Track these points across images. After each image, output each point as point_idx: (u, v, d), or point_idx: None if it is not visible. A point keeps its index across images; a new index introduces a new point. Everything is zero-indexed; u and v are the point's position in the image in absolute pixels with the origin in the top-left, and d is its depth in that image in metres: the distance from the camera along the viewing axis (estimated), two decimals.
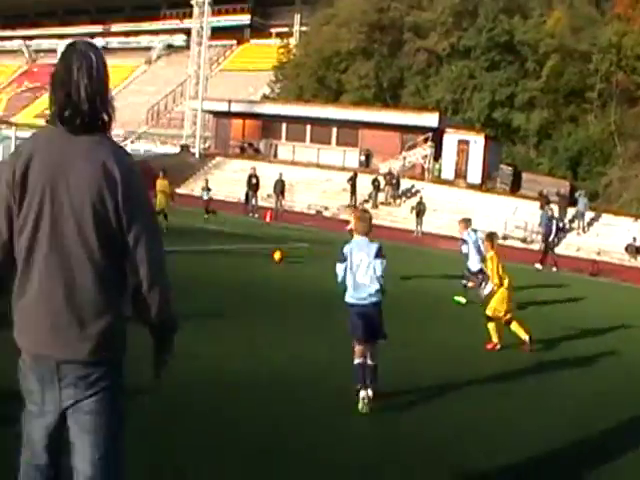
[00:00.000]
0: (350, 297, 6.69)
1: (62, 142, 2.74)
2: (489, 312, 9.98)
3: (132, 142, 54.30)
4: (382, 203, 36.90)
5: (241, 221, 29.71)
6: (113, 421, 2.83)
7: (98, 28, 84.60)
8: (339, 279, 6.75)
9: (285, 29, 70.73)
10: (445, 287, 15.46)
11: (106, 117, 2.82)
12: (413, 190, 37.67)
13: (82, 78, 2.74)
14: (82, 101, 2.72)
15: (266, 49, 69.50)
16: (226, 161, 45.92)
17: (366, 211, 7.67)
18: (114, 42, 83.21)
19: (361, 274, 6.60)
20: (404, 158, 40.71)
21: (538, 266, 23.36)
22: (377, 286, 6.61)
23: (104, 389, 2.77)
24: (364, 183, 36.92)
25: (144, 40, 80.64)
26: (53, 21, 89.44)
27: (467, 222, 14.31)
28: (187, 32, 64.64)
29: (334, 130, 45.21)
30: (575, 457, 6.18)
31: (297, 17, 71.16)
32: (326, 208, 36.76)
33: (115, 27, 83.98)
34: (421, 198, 31.72)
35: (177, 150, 49.33)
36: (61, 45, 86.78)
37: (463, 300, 13.77)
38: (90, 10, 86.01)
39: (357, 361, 6.61)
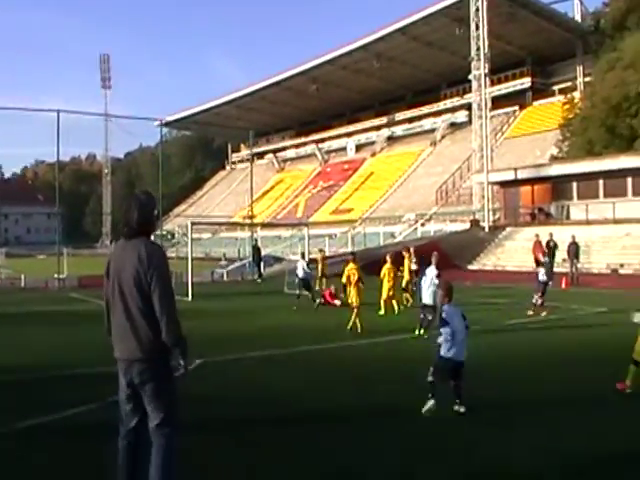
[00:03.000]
0: (449, 353, 8.33)
1: (123, 245, 5.13)
2: (637, 357, 9.21)
3: (422, 225, 54.84)
4: None
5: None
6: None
7: (383, 120, 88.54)
8: (442, 340, 8.33)
9: (568, 84, 68.16)
10: None
11: (149, 230, 5.19)
12: None
13: (134, 212, 5.08)
14: (132, 224, 5.07)
15: (550, 108, 67.55)
16: (517, 230, 44.48)
17: (448, 282, 8.93)
18: (399, 130, 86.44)
19: (460, 336, 8.30)
20: None
21: None
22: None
23: (152, 376, 4.97)
24: None
25: (427, 123, 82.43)
26: (341, 121, 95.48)
27: None
28: (468, 107, 64.67)
29: (629, 180, 41.86)
30: None
31: (579, 69, 68.32)
32: (621, 265, 33.76)
33: (398, 116, 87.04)
34: None
35: (467, 226, 48.68)
36: (350, 143, 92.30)
37: None
38: (374, 105, 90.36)
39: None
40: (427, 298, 15.03)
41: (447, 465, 6.60)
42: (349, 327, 16.26)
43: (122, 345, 5.02)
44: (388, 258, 20.33)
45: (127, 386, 5.04)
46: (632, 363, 9.22)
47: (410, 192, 71.36)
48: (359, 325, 16.09)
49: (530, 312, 19.08)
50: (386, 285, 19.69)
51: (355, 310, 16.35)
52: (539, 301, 19.18)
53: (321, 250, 29.77)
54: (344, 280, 17.37)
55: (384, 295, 19.62)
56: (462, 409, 8.31)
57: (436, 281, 14.36)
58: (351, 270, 16.91)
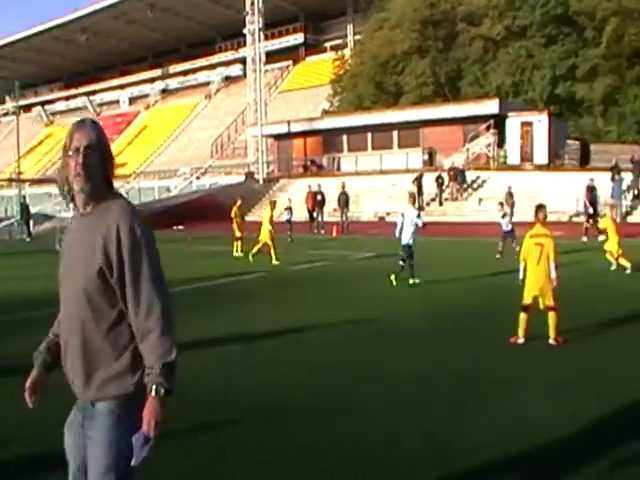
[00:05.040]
0: None
1: None
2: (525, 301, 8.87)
3: (197, 178, 54.68)
4: (447, 199, 35.66)
5: (307, 239, 29.34)
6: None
7: (157, 72, 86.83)
8: None
9: (339, 41, 70.45)
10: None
11: None
12: (479, 181, 36.27)
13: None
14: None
15: (322, 64, 69.32)
16: (290, 182, 45.45)
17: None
18: (173, 83, 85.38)
19: None
20: (467, 150, 39.29)
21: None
22: None
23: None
24: (431, 182, 35.82)
25: (202, 76, 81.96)
26: (113, 73, 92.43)
27: None
28: (243, 61, 64.72)
29: (395, 134, 44.22)
30: None
31: (350, 27, 70.83)
32: (388, 214, 35.70)
33: (173, 68, 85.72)
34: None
35: (242, 179, 49.12)
36: (122, 95, 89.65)
37: None
38: (147, 56, 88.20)
39: None
40: (406, 238, 14.49)
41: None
42: None
43: None
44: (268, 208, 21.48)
45: None
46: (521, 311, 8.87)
47: (185, 146, 70.77)
48: None
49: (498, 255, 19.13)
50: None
51: None
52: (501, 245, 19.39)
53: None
54: None
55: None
56: None
57: (417, 221, 14.47)
58: None
